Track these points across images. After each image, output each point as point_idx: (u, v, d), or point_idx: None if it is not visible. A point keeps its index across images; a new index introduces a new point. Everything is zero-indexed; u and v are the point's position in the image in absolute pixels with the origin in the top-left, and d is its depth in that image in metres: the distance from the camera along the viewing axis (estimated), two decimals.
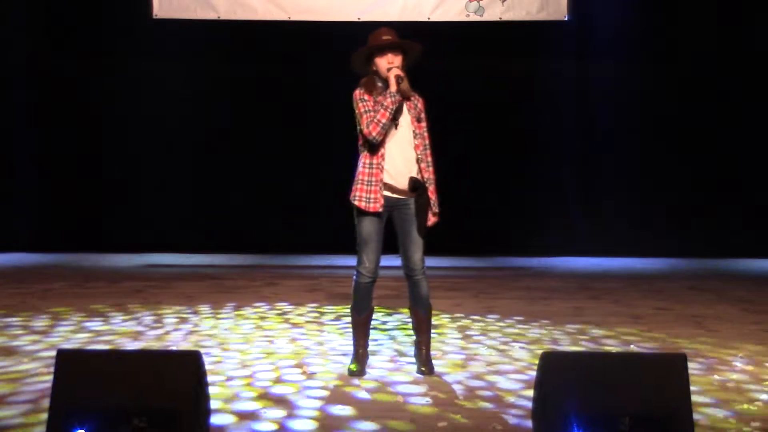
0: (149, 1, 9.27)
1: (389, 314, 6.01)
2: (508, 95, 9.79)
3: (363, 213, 4.18)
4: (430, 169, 4.28)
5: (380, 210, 4.16)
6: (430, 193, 4.23)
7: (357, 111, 4.18)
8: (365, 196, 4.16)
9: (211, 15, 9.30)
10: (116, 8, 9.60)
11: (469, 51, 9.43)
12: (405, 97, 4.20)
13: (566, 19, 9.34)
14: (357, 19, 9.15)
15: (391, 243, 4.33)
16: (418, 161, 4.23)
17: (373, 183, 4.16)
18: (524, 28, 9.45)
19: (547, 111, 10.02)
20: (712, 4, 9.64)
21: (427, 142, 4.29)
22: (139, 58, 9.76)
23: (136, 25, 9.49)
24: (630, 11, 9.75)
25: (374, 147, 4.15)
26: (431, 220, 4.26)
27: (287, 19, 9.31)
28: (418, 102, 4.29)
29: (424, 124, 4.29)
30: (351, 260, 4.58)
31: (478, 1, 9.23)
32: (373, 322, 4.63)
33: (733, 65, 9.65)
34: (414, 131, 4.23)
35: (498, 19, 9.27)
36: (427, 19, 9.17)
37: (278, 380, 4.22)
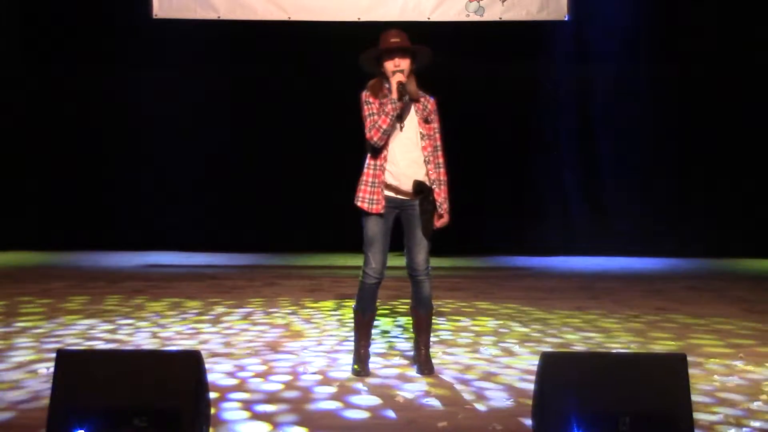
0: (149, 1, 9.27)
1: (389, 314, 6.01)
2: (508, 95, 9.79)
3: (368, 214, 4.17)
4: (440, 170, 4.23)
5: (382, 212, 4.15)
6: (436, 195, 4.17)
7: (362, 113, 4.17)
8: (368, 197, 4.15)
9: (211, 15, 9.30)
10: (116, 8, 9.61)
11: (469, 51, 9.44)
12: (412, 99, 4.19)
13: (566, 19, 9.34)
14: (357, 19, 9.16)
15: (395, 241, 4.31)
16: (425, 163, 4.19)
17: (376, 184, 4.15)
18: (524, 28, 9.45)
19: (547, 111, 10.02)
20: (713, 3, 9.65)
21: (438, 143, 4.24)
22: (138, 57, 9.77)
23: (136, 25, 9.50)
24: (630, 11, 9.76)
25: (377, 149, 4.14)
26: (441, 221, 4.21)
27: (287, 19, 9.31)
28: (428, 103, 4.25)
29: (434, 125, 4.24)
30: (352, 260, 4.58)
31: (478, 1, 9.23)
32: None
33: (733, 65, 9.65)
34: (421, 132, 4.20)
35: (498, 19, 9.27)
36: (427, 19, 9.18)
37: (277, 380, 4.22)
